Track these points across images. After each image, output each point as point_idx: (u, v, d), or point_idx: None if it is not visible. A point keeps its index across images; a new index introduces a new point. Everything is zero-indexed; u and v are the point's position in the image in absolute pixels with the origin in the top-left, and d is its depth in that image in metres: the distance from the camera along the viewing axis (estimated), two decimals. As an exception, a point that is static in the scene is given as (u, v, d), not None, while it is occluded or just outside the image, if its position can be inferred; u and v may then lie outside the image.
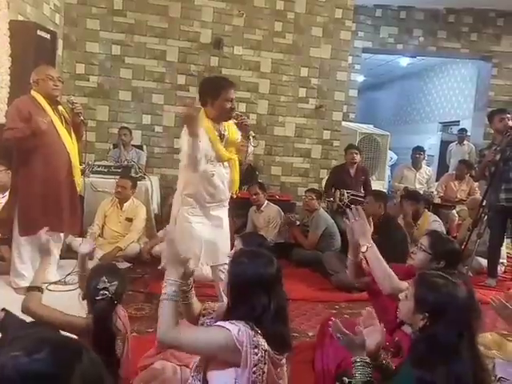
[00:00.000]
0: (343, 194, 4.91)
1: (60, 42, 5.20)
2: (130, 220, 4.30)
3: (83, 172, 3.89)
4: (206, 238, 2.82)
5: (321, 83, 5.99)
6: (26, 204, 3.12)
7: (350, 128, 6.40)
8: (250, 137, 2.88)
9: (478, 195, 5.26)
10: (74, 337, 1.51)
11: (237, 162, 2.90)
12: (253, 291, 1.50)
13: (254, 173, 5.48)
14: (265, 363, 1.44)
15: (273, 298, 1.51)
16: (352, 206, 2.25)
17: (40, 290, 1.85)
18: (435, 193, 6.07)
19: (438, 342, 1.38)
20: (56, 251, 3.43)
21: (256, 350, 1.43)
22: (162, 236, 4.25)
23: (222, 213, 2.93)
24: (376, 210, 4.00)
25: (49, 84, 3.11)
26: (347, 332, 1.55)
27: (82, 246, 2.15)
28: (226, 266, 1.72)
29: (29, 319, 1.82)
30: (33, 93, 3.12)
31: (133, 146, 5.33)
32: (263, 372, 1.44)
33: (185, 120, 2.51)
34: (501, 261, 4.39)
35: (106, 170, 4.68)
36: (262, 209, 4.81)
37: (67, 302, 2.04)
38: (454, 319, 1.40)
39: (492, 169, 3.98)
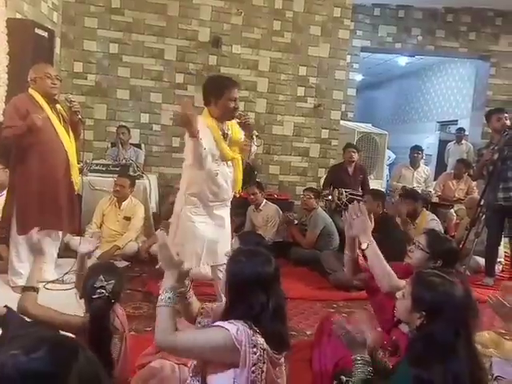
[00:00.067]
0: (341, 193, 4.91)
1: (58, 41, 5.19)
2: (128, 219, 4.29)
3: (81, 171, 3.88)
4: (209, 237, 2.82)
5: (319, 82, 5.99)
6: (24, 202, 3.12)
7: (349, 127, 6.41)
8: (254, 136, 2.89)
9: (476, 194, 5.26)
10: (72, 336, 1.51)
11: (240, 162, 2.91)
12: (251, 290, 1.50)
13: (252, 172, 5.48)
14: (264, 362, 1.44)
15: (271, 296, 1.51)
16: (354, 202, 2.25)
17: (35, 289, 1.84)
18: (433, 192, 6.08)
19: (435, 340, 1.39)
20: (54, 250, 3.43)
21: (255, 349, 1.43)
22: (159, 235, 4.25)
23: (225, 212, 2.94)
24: (374, 209, 4.00)
25: (47, 82, 3.10)
26: (349, 329, 1.56)
27: (82, 245, 2.14)
28: None
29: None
30: (30, 91, 3.12)
31: (131, 144, 5.32)
32: (262, 371, 1.44)
33: (181, 122, 2.50)
34: (498, 260, 4.40)
35: (104, 169, 4.68)
36: (260, 208, 4.81)
37: (65, 300, 2.04)
38: (450, 318, 1.40)
39: (490, 168, 3.99)
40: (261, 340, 1.44)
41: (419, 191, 5.55)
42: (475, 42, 7.28)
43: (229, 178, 2.84)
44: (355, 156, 5.23)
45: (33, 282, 1.88)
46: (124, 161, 4.90)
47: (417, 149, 6.40)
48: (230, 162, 2.84)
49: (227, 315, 1.51)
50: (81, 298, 1.82)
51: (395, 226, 4.19)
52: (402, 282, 1.95)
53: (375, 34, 7.20)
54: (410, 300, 1.52)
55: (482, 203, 3.97)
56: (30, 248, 2.00)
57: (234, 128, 2.85)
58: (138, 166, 4.87)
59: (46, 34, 4.31)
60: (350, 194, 4.90)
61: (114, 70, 5.51)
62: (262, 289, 1.50)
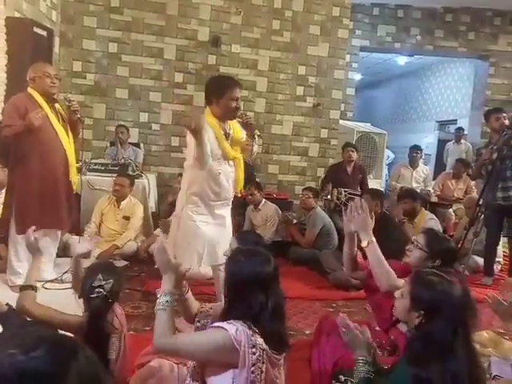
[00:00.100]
0: (340, 193, 4.91)
1: (57, 40, 5.18)
2: (127, 218, 4.29)
3: (80, 170, 3.88)
4: (210, 237, 2.82)
5: (318, 81, 5.99)
6: (23, 202, 3.12)
7: (348, 126, 6.41)
8: (256, 136, 2.90)
9: (475, 194, 5.27)
10: (70, 335, 1.51)
11: (242, 161, 2.92)
12: (250, 290, 1.50)
13: (251, 172, 5.48)
14: (263, 362, 1.44)
15: (270, 296, 1.51)
16: (356, 199, 2.25)
17: (34, 288, 1.84)
18: (432, 191, 6.09)
19: (433, 339, 1.39)
20: (53, 249, 3.43)
21: (254, 350, 1.43)
22: (158, 234, 4.25)
23: (226, 212, 2.94)
24: (373, 208, 4.00)
25: (46, 81, 3.09)
26: (352, 328, 1.56)
27: (79, 245, 2.13)
28: None
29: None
30: (29, 90, 3.11)
31: (130, 143, 5.32)
32: (261, 371, 1.44)
33: (193, 131, 2.51)
34: (497, 259, 4.41)
35: (102, 168, 4.68)
36: (259, 207, 4.81)
37: (64, 300, 2.03)
38: (449, 317, 1.40)
39: (489, 167, 4.00)
40: (260, 340, 1.44)
41: (418, 191, 5.55)
42: (474, 41, 7.29)
43: (230, 177, 2.85)
44: (354, 155, 5.23)
45: (31, 280, 1.88)
46: (123, 160, 4.89)
47: (416, 148, 6.40)
48: (231, 162, 2.85)
49: (226, 315, 1.51)
50: (79, 297, 1.81)
51: (394, 225, 4.19)
52: (401, 281, 1.95)
53: (374, 34, 7.20)
54: (409, 299, 1.52)
55: (480, 203, 3.97)
56: (28, 247, 2.00)
57: (235, 127, 2.86)
58: (136, 166, 4.87)
59: (44, 33, 4.30)
60: (349, 193, 4.90)
61: (113, 69, 5.51)
62: (261, 288, 1.50)
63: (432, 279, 1.51)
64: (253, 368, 1.42)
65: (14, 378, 0.73)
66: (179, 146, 5.65)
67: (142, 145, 5.59)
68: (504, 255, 4.64)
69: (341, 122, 6.30)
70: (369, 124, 6.98)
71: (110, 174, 4.53)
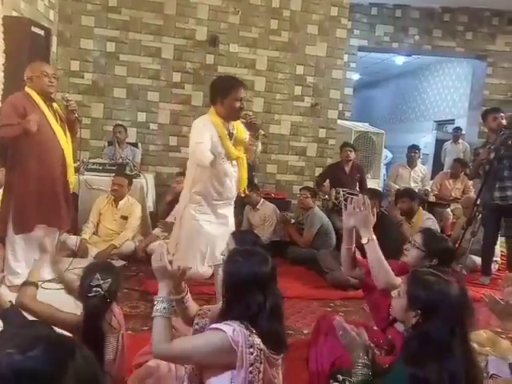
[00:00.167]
0: (339, 192, 4.91)
1: (54, 39, 5.17)
2: (125, 218, 4.29)
3: (78, 170, 3.87)
4: (213, 236, 2.82)
5: (316, 81, 5.99)
6: (21, 202, 3.10)
7: (346, 126, 6.41)
8: (259, 136, 2.92)
9: (473, 194, 5.28)
10: (67, 334, 1.51)
11: (245, 161, 2.94)
12: (248, 290, 1.50)
13: (251, 173, 5.46)
14: (261, 362, 1.44)
15: (268, 296, 1.51)
16: (359, 195, 2.25)
17: (35, 285, 1.84)
18: (430, 191, 6.10)
19: (430, 339, 1.39)
20: (51, 249, 3.41)
21: (251, 350, 1.42)
22: (156, 234, 4.24)
23: (229, 211, 2.95)
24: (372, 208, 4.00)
25: (44, 80, 3.08)
26: (350, 330, 1.56)
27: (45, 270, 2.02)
28: None
29: (29, 317, 1.81)
30: (27, 89, 3.10)
31: (128, 143, 5.31)
32: (259, 371, 1.44)
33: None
34: (494, 259, 4.42)
35: (100, 168, 4.67)
36: (257, 207, 4.81)
37: (62, 299, 2.03)
38: (446, 316, 1.41)
39: (486, 167, 4.01)
40: (257, 340, 1.44)
41: (416, 190, 5.56)
42: (472, 41, 7.30)
43: (234, 177, 2.87)
44: (352, 155, 5.24)
45: (34, 277, 1.88)
46: (121, 160, 4.88)
47: (414, 148, 6.41)
48: (234, 162, 2.87)
49: (224, 316, 1.51)
50: (78, 296, 1.81)
51: (392, 225, 4.19)
52: (399, 280, 1.96)
53: (372, 34, 7.20)
54: (406, 298, 1.52)
55: (478, 202, 3.99)
56: (37, 246, 2.01)
57: (239, 128, 2.89)
58: (134, 165, 4.86)
59: (42, 33, 4.29)
60: (347, 193, 4.89)
61: (111, 68, 5.50)
62: (259, 289, 1.50)
63: (429, 279, 1.51)
64: (251, 368, 1.42)
65: (11, 378, 0.72)
66: (177, 145, 5.65)
67: (139, 144, 5.57)
68: (501, 254, 4.65)
69: (339, 121, 6.31)
70: (367, 124, 6.98)
71: (107, 174, 4.52)
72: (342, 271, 2.50)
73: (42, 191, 3.13)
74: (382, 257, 2.08)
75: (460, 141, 7.49)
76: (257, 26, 5.75)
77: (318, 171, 6.05)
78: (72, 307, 1.85)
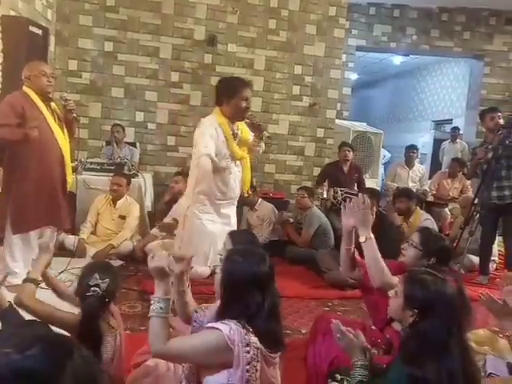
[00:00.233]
0: (337, 192, 4.92)
1: (52, 38, 5.16)
2: (123, 218, 4.28)
3: (75, 169, 3.87)
4: (216, 236, 2.83)
5: (314, 81, 5.99)
6: (20, 202, 3.09)
7: (344, 126, 6.42)
8: (264, 137, 2.93)
9: (471, 193, 5.29)
10: (66, 333, 1.51)
11: (248, 161, 2.95)
12: (246, 290, 1.50)
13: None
14: (258, 361, 1.44)
15: (266, 295, 1.51)
16: (359, 194, 2.25)
17: (36, 283, 1.84)
18: (428, 191, 6.11)
19: (427, 338, 1.40)
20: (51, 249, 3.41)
21: (248, 348, 1.43)
22: (154, 234, 4.24)
23: (231, 211, 2.97)
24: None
25: (42, 80, 3.08)
26: (347, 333, 1.56)
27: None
28: None
29: (28, 317, 1.81)
30: (25, 89, 3.09)
31: (126, 143, 5.30)
32: (256, 370, 1.44)
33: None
34: (492, 258, 4.43)
35: (98, 168, 4.66)
36: (256, 207, 4.81)
37: (59, 299, 2.03)
38: (442, 315, 1.41)
39: (484, 167, 4.02)
40: (254, 339, 1.44)
41: (414, 190, 5.57)
42: (470, 41, 7.31)
43: (237, 177, 2.88)
44: (350, 155, 5.24)
45: (35, 275, 1.87)
46: (119, 159, 4.88)
47: (412, 148, 6.42)
48: (238, 162, 2.87)
49: (222, 315, 1.51)
50: (76, 295, 1.81)
51: (390, 225, 4.20)
52: (395, 279, 1.96)
53: (370, 33, 7.21)
54: (402, 298, 1.52)
55: (476, 202, 3.99)
56: (39, 245, 2.00)
57: (243, 128, 2.91)
58: (132, 165, 4.86)
59: (40, 32, 4.29)
60: (346, 192, 4.91)
61: (109, 68, 5.49)
62: (257, 288, 1.50)
63: (425, 278, 1.51)
64: (247, 367, 1.42)
65: (9, 377, 0.72)
66: (175, 145, 5.64)
67: (137, 144, 5.57)
68: (499, 254, 4.67)
69: (337, 121, 6.31)
70: (365, 123, 6.99)
71: (105, 174, 4.51)
72: (340, 271, 2.50)
73: (41, 191, 3.12)
74: (379, 255, 2.08)
75: (458, 140, 7.50)
76: (255, 26, 5.74)
77: (316, 171, 6.05)
78: (70, 306, 1.85)
